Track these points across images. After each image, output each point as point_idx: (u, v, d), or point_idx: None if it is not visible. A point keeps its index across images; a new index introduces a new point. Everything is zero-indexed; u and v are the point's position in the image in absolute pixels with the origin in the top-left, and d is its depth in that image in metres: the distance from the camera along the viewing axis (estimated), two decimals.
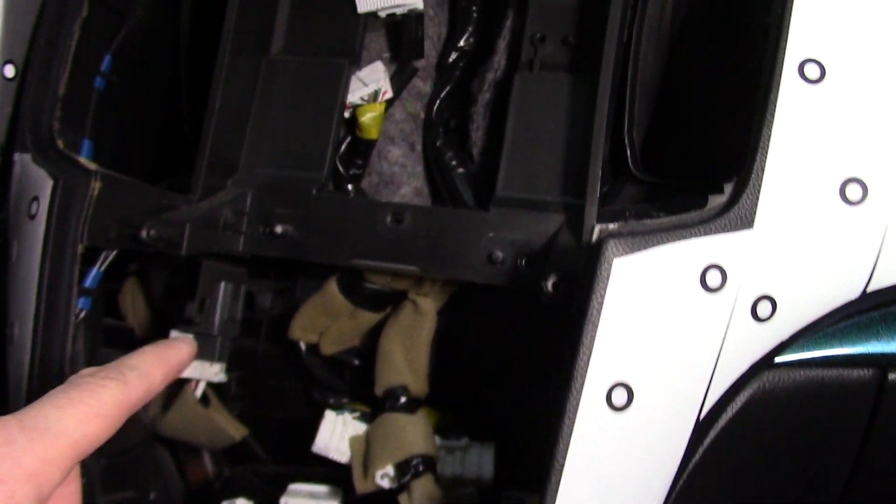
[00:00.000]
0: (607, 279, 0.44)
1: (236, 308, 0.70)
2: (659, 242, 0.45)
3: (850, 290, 0.48)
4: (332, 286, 0.67)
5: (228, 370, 0.71)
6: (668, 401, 0.45)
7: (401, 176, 0.71)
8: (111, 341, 0.68)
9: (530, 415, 0.63)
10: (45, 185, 0.56)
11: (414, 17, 0.67)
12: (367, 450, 0.65)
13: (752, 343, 0.46)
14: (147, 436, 0.71)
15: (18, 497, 0.35)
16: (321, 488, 0.69)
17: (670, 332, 0.45)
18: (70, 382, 0.41)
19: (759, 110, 0.47)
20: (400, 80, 0.69)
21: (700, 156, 0.64)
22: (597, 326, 0.44)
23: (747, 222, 0.46)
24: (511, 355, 0.70)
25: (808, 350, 0.49)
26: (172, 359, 0.48)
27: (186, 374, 0.68)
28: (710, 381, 0.46)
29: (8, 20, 0.64)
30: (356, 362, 0.72)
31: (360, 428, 0.67)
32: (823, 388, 0.49)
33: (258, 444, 0.75)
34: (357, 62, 0.67)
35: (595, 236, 0.46)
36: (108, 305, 0.71)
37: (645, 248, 0.45)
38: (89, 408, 0.39)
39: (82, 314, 0.59)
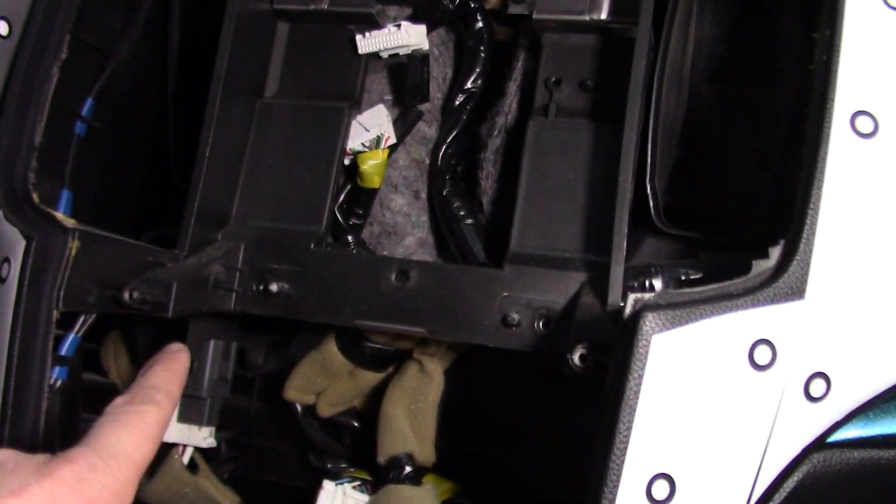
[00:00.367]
0: (646, 357, 0.40)
1: (227, 367, 0.66)
2: (702, 316, 0.41)
3: None
4: (331, 344, 0.64)
5: (218, 430, 0.66)
6: (714, 493, 0.41)
7: (404, 226, 0.67)
8: (92, 403, 0.63)
9: (549, 487, 0.59)
10: (17, 245, 0.51)
11: (419, 58, 0.63)
12: None
13: (804, 425, 0.42)
14: None
15: None
16: None
17: (716, 416, 0.41)
18: (113, 413, 0.46)
19: (806, 167, 0.43)
20: (404, 125, 0.65)
21: (725, 206, 0.60)
22: (634, 410, 0.40)
23: (798, 292, 0.41)
24: (526, 416, 0.66)
25: (862, 427, 0.45)
26: (180, 370, 0.53)
27: (172, 438, 0.64)
28: (759, 469, 0.41)
29: None
30: (356, 425, 0.69)
31: (361, 499, 0.63)
32: (879, 470, 0.45)
33: None
34: (358, 106, 0.64)
35: (629, 308, 0.41)
36: (87, 360, 0.67)
37: (687, 322, 0.41)
38: (141, 431, 0.45)
39: (58, 384, 0.55)
